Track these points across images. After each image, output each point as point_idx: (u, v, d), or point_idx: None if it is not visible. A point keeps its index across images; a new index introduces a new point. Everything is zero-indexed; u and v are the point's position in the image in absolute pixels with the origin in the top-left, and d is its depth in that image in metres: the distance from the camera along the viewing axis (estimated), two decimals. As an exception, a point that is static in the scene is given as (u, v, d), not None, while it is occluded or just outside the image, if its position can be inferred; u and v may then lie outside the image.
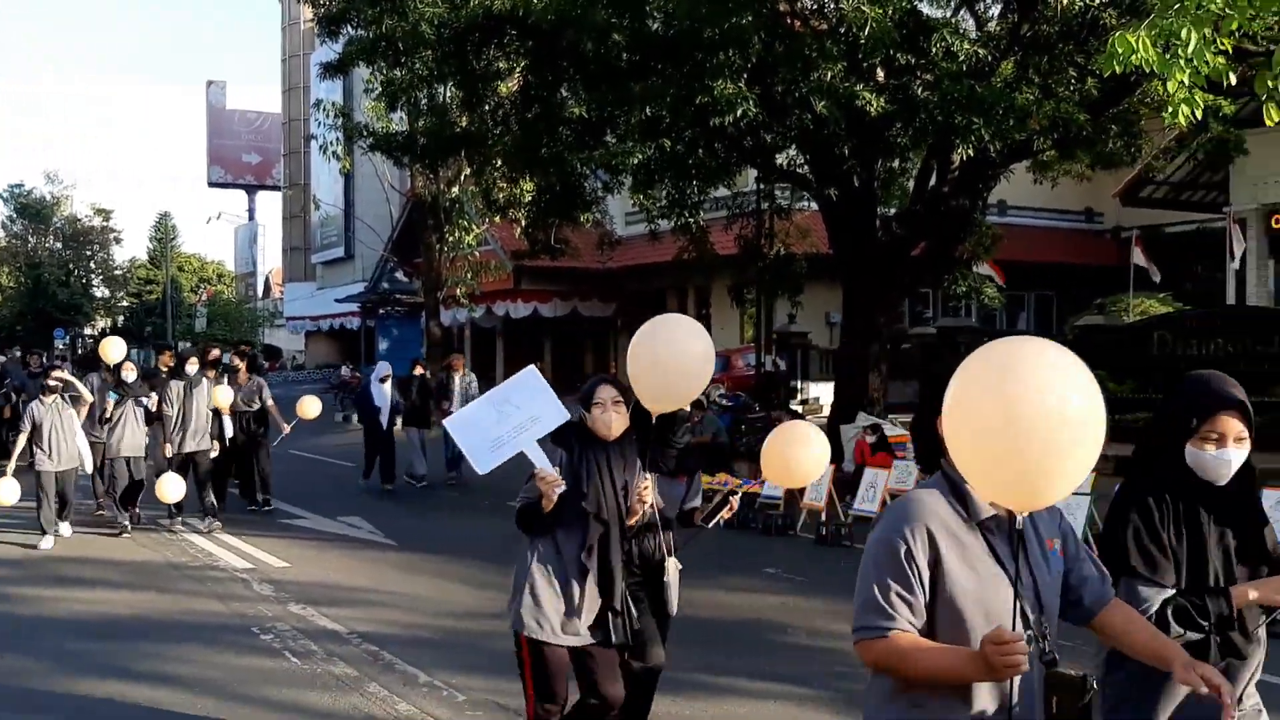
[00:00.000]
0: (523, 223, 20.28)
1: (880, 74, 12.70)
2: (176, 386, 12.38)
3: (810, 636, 7.72)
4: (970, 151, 12.31)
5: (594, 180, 16.94)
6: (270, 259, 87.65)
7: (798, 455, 4.80)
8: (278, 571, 10.11)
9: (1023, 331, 30.39)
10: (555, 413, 4.28)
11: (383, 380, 16.01)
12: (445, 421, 4.57)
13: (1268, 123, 7.88)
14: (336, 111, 21.41)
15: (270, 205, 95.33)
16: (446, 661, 7.12)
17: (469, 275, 29.00)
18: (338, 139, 22.21)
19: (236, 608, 8.63)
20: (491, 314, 36.67)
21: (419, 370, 16.87)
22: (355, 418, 22.21)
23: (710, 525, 5.03)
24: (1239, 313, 19.96)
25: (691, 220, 16.77)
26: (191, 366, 12.73)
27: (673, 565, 4.92)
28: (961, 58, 11.69)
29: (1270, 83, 7.90)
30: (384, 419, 15.82)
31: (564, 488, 4.29)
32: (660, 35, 12.92)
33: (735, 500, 5.07)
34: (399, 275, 31.81)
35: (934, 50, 11.66)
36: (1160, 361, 18.99)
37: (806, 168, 15.90)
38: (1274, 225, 23.16)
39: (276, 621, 8.14)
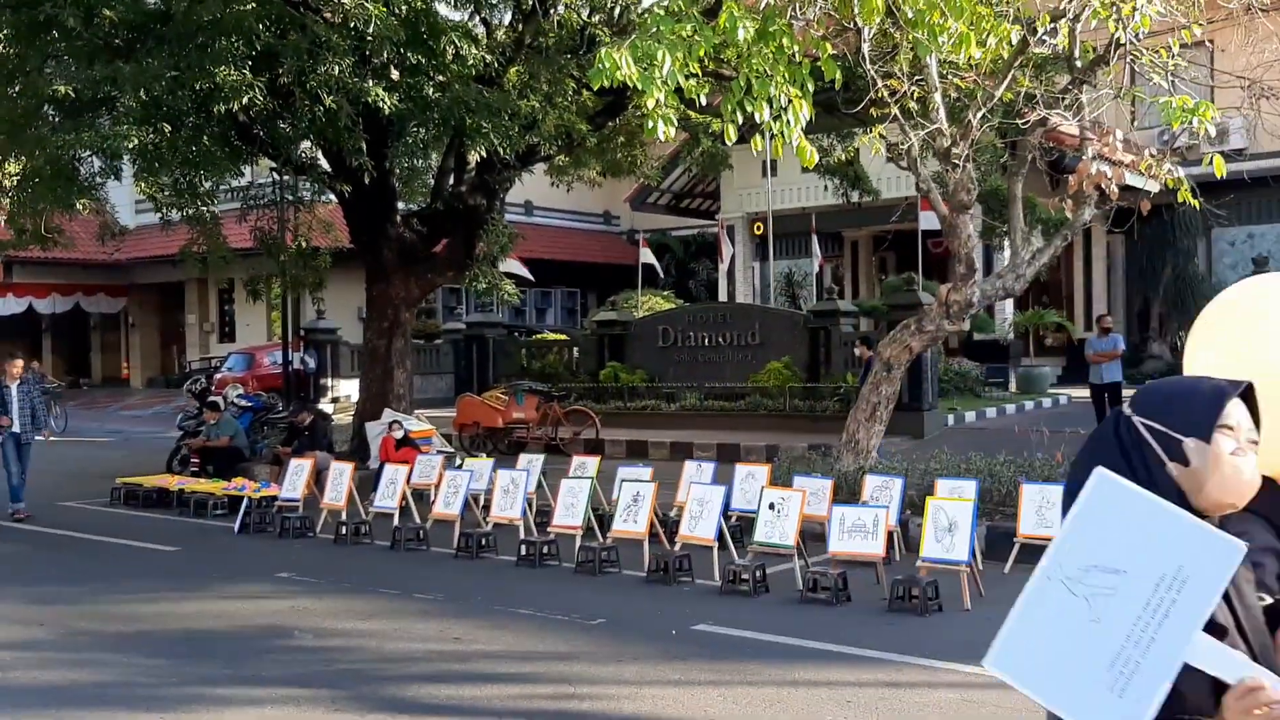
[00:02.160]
0: (7, 209, 18.19)
1: (395, 73, 12.78)
2: None
3: (317, 637, 7.64)
4: (482, 153, 12.73)
5: (91, 164, 15.56)
6: None
7: None
8: None
9: (550, 326, 31.99)
10: (1212, 545, 1.78)
11: None
12: (993, 665, 1.79)
13: (727, 140, 8.88)
14: None
15: None
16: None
17: (-58, 267, 25.48)
18: None
19: None
20: (-24, 311, 32.53)
21: None
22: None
23: None
24: (728, 308, 22.27)
25: (205, 210, 15.90)
26: None
27: None
28: (471, 62, 12.05)
29: (731, 106, 8.89)
30: None
31: None
32: (159, 13, 12.12)
33: None
34: None
35: (443, 52, 11.92)
36: (665, 352, 20.79)
37: (324, 161, 15.65)
38: (756, 231, 26.11)
39: None
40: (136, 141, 12.00)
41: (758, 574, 8.65)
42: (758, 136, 9.14)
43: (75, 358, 36.55)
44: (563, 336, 25.07)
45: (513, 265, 21.87)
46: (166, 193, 14.53)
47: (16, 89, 14.25)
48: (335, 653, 7.24)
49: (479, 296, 23.17)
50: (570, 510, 10.08)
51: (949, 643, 7.08)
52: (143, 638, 7.78)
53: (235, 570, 10.17)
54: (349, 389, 24.03)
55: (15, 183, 17.21)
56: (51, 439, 13.88)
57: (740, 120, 8.92)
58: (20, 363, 13.83)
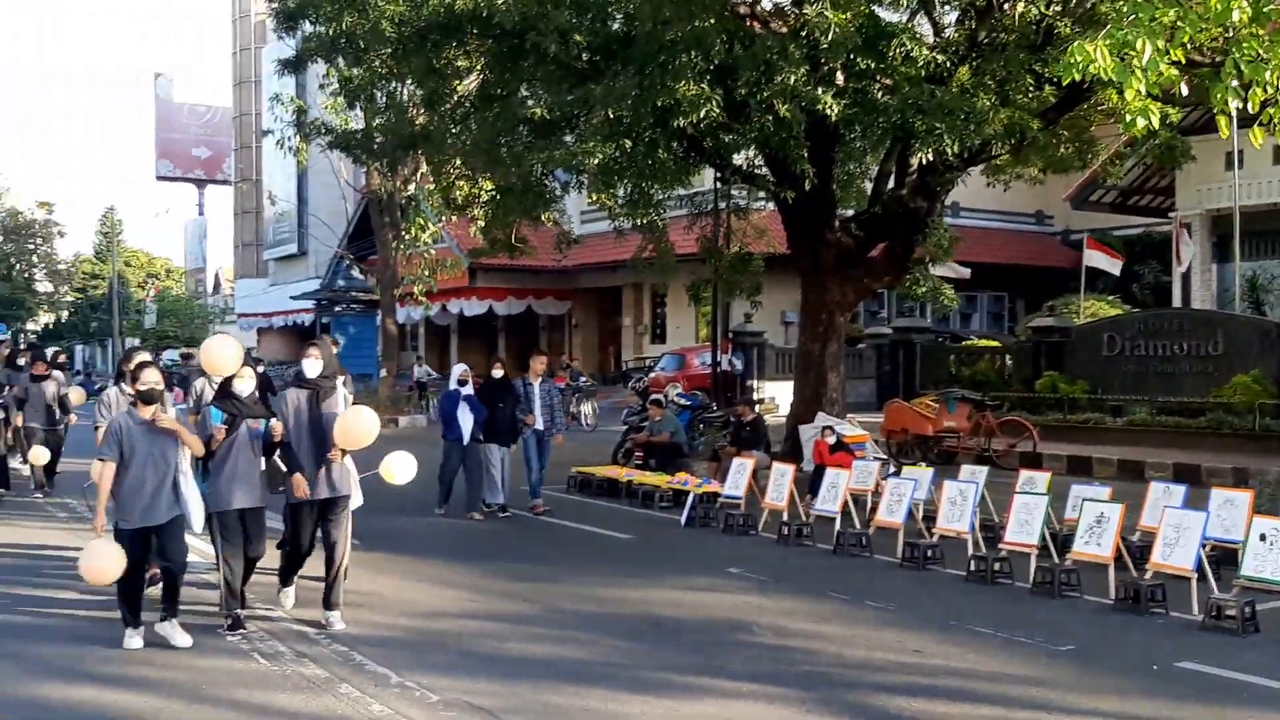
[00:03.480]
0: (481, 221, 20.27)
1: (840, 78, 12.84)
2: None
3: (776, 635, 7.80)
4: (929, 155, 12.49)
5: (554, 179, 16.94)
6: (219, 255, 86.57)
7: None
8: (238, 572, 9.98)
9: (976, 332, 30.87)
10: None
11: (463, 384, 13.29)
12: None
13: (1221, 135, 8.07)
14: (296, 108, 21.24)
15: (219, 200, 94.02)
16: (416, 662, 7.13)
17: (425, 273, 28.86)
18: (294, 134, 22.04)
19: (196, 607, 8.52)
20: (446, 311, 36.57)
21: (499, 371, 13.79)
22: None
23: None
24: (1185, 315, 20.36)
25: (658, 218, 16.82)
26: (245, 383, 7.84)
27: None
28: (920, 63, 11.86)
29: (1221, 94, 8.07)
30: (467, 431, 13.08)
31: None
32: (622, 36, 12.95)
33: None
34: (354, 272, 31.60)
35: (893, 55, 11.81)
36: (1110, 362, 19.38)
37: (765, 169, 16.03)
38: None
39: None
40: (600, 157, 12.86)
41: (1246, 610, 7.80)
42: (1256, 127, 8.22)
43: (524, 356, 40.12)
44: (994, 343, 24.08)
45: (947, 269, 21.27)
46: (621, 203, 15.50)
47: (492, 112, 15.77)
48: (796, 653, 7.35)
49: (913, 300, 22.79)
50: (1024, 527, 9.63)
51: None
52: (612, 619, 8.31)
53: (686, 561, 10.64)
54: (774, 390, 24.52)
55: (489, 198, 19.13)
56: (562, 440, 14.37)
57: (1234, 109, 8.09)
58: (544, 359, 14.20)
